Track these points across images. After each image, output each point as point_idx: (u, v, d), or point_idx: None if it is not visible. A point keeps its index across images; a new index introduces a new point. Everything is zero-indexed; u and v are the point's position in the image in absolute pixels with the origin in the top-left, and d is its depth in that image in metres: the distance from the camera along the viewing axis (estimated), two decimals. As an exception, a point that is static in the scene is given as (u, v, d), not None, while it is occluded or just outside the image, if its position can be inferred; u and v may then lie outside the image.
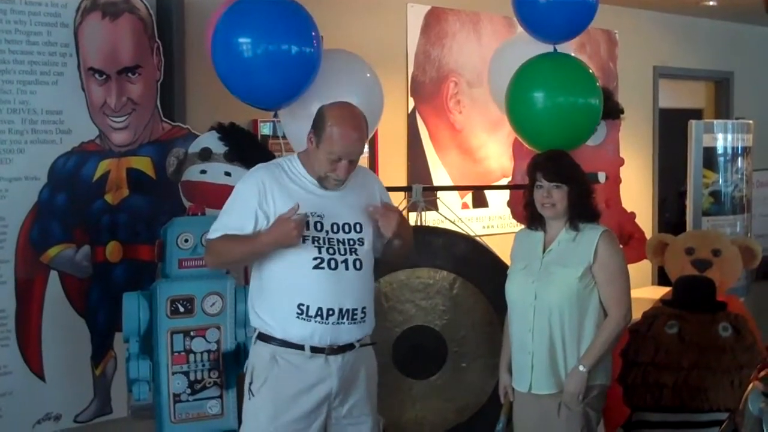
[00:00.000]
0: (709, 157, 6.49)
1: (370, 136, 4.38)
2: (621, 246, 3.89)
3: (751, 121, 6.81)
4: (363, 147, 3.30)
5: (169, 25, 4.55)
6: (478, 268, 4.21)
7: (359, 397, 3.33)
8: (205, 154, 4.19)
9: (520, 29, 4.47)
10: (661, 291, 5.26)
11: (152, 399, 3.78)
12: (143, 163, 4.40)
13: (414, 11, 5.89)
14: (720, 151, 6.53)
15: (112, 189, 4.31)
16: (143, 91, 4.38)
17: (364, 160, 5.41)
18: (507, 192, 5.32)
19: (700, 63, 8.13)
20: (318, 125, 3.22)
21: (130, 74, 4.34)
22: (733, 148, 6.56)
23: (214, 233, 3.24)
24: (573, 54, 4.80)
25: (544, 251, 3.63)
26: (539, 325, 3.54)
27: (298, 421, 3.21)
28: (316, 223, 3.20)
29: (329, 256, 3.19)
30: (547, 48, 4.26)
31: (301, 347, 3.20)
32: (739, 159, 6.60)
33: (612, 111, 5.11)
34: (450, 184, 6.03)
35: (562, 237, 3.60)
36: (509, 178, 5.58)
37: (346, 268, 3.22)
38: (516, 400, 3.72)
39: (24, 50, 4.07)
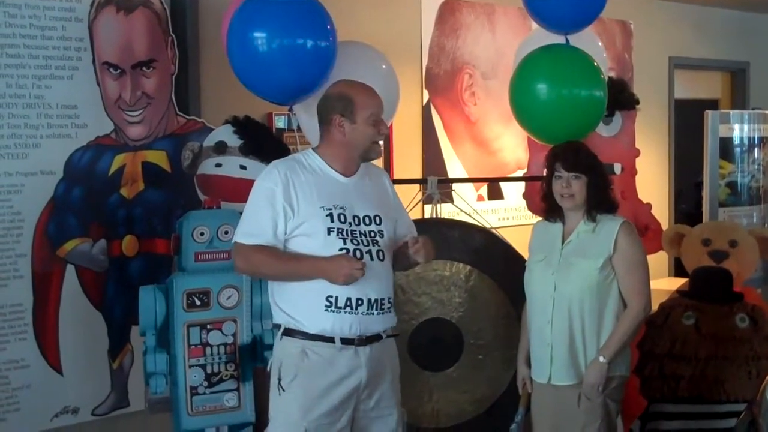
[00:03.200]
0: (726, 148, 6.47)
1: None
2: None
3: (767, 112, 6.77)
4: None
5: (183, 18, 4.55)
6: (494, 260, 4.20)
7: (385, 390, 3.34)
8: (221, 148, 4.19)
9: (532, 20, 4.46)
10: (678, 282, 5.25)
11: (169, 392, 3.78)
12: (158, 157, 4.41)
13: (428, 3, 5.88)
14: (736, 141, 6.51)
15: (128, 183, 4.33)
16: (158, 85, 4.39)
17: (379, 153, 5.43)
18: (522, 184, 5.31)
19: (715, 53, 8.09)
20: (343, 105, 3.25)
21: (144, 68, 4.35)
22: (749, 139, 6.54)
23: (247, 238, 3.21)
24: (599, 44, 4.79)
25: (563, 243, 3.62)
26: (559, 317, 3.53)
27: (329, 414, 3.21)
28: (339, 215, 3.21)
29: (354, 247, 3.20)
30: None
31: (331, 339, 3.19)
32: (756, 149, 6.57)
33: (627, 102, 5.09)
34: (465, 176, 6.02)
35: (581, 228, 3.59)
36: (524, 170, 5.57)
37: (371, 259, 3.23)
38: (535, 391, 3.72)
39: (39, 45, 4.08)
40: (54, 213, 4.13)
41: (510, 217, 6.23)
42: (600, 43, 4.85)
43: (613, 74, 5.13)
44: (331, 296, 3.18)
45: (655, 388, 4.29)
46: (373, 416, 3.32)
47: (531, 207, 4.89)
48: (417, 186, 4.49)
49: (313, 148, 3.38)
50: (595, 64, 4.25)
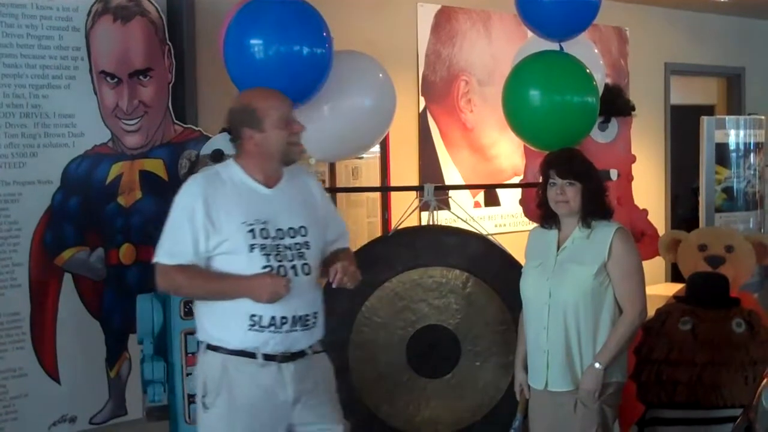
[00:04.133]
0: (722, 154, 6.48)
1: (381, 137, 4.41)
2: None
3: (763, 117, 6.80)
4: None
5: (180, 27, 4.56)
6: (490, 266, 4.21)
7: (323, 405, 3.29)
8: (217, 156, 4.19)
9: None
10: (674, 288, 5.25)
11: (167, 400, 3.79)
12: (155, 166, 4.42)
13: (424, 10, 5.89)
14: (732, 147, 6.52)
15: (125, 191, 4.33)
16: (155, 93, 4.40)
17: (375, 160, 5.44)
18: (519, 190, 5.32)
19: (711, 59, 8.11)
20: (248, 117, 3.17)
21: (141, 77, 4.35)
22: (745, 144, 6.55)
23: (168, 257, 3.13)
24: (595, 50, 4.80)
25: (558, 249, 3.63)
26: (554, 323, 3.54)
27: (257, 430, 3.16)
28: (262, 230, 3.13)
29: (278, 264, 3.13)
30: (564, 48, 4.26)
31: (253, 355, 3.14)
32: (752, 155, 6.59)
33: (623, 108, 5.10)
34: (461, 183, 6.03)
35: (576, 234, 3.60)
36: (521, 177, 5.57)
37: (296, 274, 3.16)
38: (532, 397, 3.72)
39: (36, 54, 4.08)
40: (51, 222, 4.14)
41: (506, 223, 6.23)
42: (596, 50, 4.86)
43: (609, 80, 5.13)
44: (255, 315, 3.11)
45: (652, 394, 4.30)
46: (316, 430, 3.27)
47: (527, 213, 4.90)
48: (414, 193, 4.50)
49: (233, 157, 3.31)
50: (587, 70, 4.26)
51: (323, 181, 5.09)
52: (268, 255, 3.13)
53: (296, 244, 3.20)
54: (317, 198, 3.39)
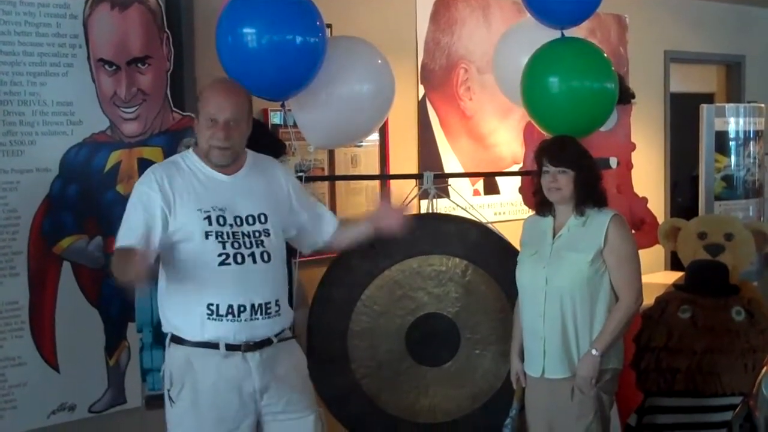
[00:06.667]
0: (721, 142, 6.47)
1: (380, 124, 4.40)
2: (632, 230, 3.89)
3: (762, 105, 6.78)
4: (240, 110, 3.23)
5: (178, 15, 4.54)
6: (490, 254, 4.21)
7: (293, 392, 3.28)
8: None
9: (527, 14, 4.46)
10: (674, 276, 5.25)
11: (166, 388, 3.79)
12: (154, 153, 4.40)
13: (423, -2, 5.88)
14: (732, 135, 6.52)
15: (124, 179, 4.32)
16: (153, 81, 4.38)
17: (374, 148, 5.43)
18: (518, 178, 5.32)
19: (711, 47, 8.09)
20: (199, 100, 3.23)
21: (139, 65, 4.34)
22: (745, 132, 6.54)
23: (118, 241, 3.14)
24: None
25: (554, 237, 3.64)
26: (551, 310, 3.55)
27: (224, 422, 3.15)
28: (218, 217, 3.14)
29: (234, 251, 3.12)
30: (554, 34, 4.24)
31: (215, 346, 3.13)
32: (751, 143, 6.58)
33: (623, 96, 5.08)
34: (461, 171, 6.02)
35: (572, 222, 3.61)
36: (520, 165, 5.57)
37: (254, 262, 3.15)
38: (528, 385, 3.73)
39: (34, 42, 4.07)
40: (50, 210, 4.13)
41: (506, 211, 6.23)
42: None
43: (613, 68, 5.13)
44: (212, 304, 3.11)
45: (651, 382, 4.31)
46: (285, 419, 3.25)
47: (527, 201, 4.90)
48: (413, 181, 4.49)
49: (193, 147, 3.32)
50: (605, 55, 4.26)
51: (322, 169, 5.08)
52: (224, 242, 3.12)
53: (255, 231, 3.20)
54: (283, 188, 3.39)
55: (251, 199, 3.24)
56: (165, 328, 3.26)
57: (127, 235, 3.12)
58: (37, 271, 4.09)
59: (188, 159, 3.27)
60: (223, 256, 3.12)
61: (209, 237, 3.11)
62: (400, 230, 3.40)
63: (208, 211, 3.13)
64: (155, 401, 3.86)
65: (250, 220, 3.21)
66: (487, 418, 4.16)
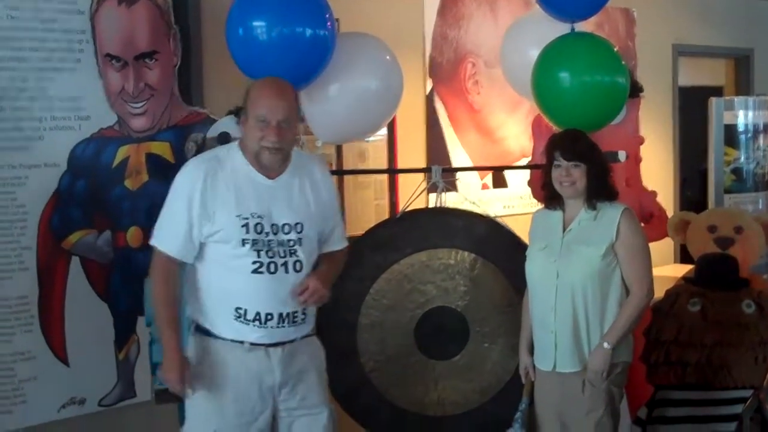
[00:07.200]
0: (730, 135, 6.44)
1: (389, 120, 4.39)
2: (641, 223, 3.88)
3: (771, 98, 6.76)
4: (291, 111, 3.20)
5: (186, 10, 4.54)
6: (498, 248, 4.20)
7: (310, 388, 3.28)
8: (224, 139, 4.18)
9: (535, 7, 4.45)
10: (684, 269, 5.23)
11: (175, 383, 3.79)
12: (162, 148, 4.40)
13: (431, -8, 5.87)
14: (741, 128, 6.49)
15: (132, 174, 4.32)
16: (161, 76, 4.38)
17: (382, 142, 5.43)
18: (527, 172, 5.31)
19: (719, 40, 8.06)
20: (245, 101, 3.18)
21: (147, 60, 4.34)
22: (754, 125, 6.51)
23: (160, 242, 3.19)
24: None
25: (564, 230, 3.62)
26: (562, 304, 3.54)
27: (242, 414, 3.16)
28: (257, 225, 3.12)
29: (269, 260, 3.12)
30: (562, 26, 4.23)
31: (240, 342, 3.16)
32: (761, 136, 6.55)
33: (632, 89, 5.06)
34: (469, 164, 6.01)
35: (583, 216, 3.60)
36: (529, 158, 5.56)
37: (286, 271, 3.15)
38: (538, 379, 3.72)
39: (41, 38, 4.07)
40: (58, 205, 4.13)
41: (515, 205, 6.22)
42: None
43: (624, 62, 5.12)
44: (241, 308, 3.12)
45: (661, 375, 4.30)
46: (299, 414, 3.26)
47: (536, 195, 4.88)
48: (421, 175, 4.49)
49: (239, 141, 3.28)
50: (616, 49, 4.26)
51: (330, 164, 5.08)
52: (259, 251, 3.12)
53: (289, 240, 3.18)
54: (322, 191, 3.35)
55: (290, 206, 3.21)
56: (191, 314, 3.27)
57: (169, 238, 3.16)
58: (46, 266, 4.10)
59: (232, 155, 3.22)
60: (257, 264, 3.11)
61: (245, 244, 3.11)
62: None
63: (247, 218, 3.11)
64: (165, 395, 3.86)
65: (286, 229, 3.18)
66: (495, 412, 4.15)
